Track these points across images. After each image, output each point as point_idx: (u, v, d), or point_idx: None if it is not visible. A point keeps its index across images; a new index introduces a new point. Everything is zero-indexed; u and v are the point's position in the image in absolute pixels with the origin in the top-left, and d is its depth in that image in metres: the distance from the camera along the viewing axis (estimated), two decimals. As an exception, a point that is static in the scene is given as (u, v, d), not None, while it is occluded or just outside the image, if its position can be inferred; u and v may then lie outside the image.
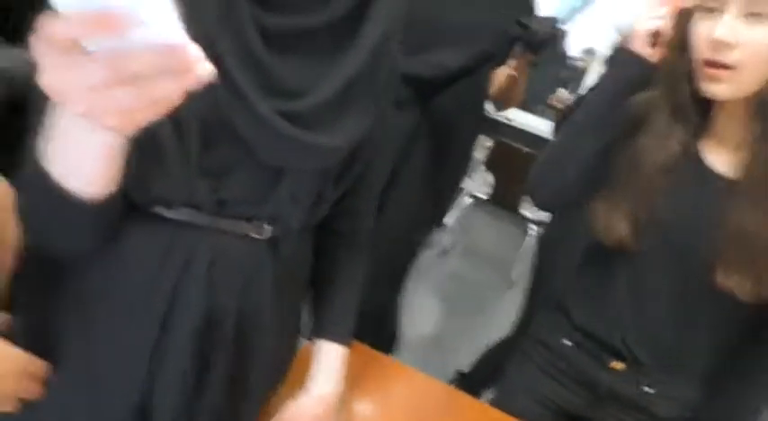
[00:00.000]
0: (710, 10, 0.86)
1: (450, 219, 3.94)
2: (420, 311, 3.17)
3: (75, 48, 0.34)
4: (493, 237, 4.57)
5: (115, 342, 0.68)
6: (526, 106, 5.40)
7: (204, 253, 0.69)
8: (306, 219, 0.76)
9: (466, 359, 2.25)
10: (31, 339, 0.70)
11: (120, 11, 0.32)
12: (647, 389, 1.04)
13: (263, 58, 0.63)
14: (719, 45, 0.85)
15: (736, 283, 0.90)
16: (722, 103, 0.93)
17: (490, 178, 4.06)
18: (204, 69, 0.37)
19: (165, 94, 0.37)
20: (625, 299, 1.03)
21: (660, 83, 0.99)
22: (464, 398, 1.12)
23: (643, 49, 0.95)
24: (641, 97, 1.01)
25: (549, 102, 5.65)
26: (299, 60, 0.66)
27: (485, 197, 4.03)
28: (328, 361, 0.89)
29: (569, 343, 1.10)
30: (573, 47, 5.41)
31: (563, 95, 5.78)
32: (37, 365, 0.68)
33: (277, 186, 0.70)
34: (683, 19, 0.92)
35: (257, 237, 0.72)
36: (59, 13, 0.32)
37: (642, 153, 0.98)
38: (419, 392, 1.12)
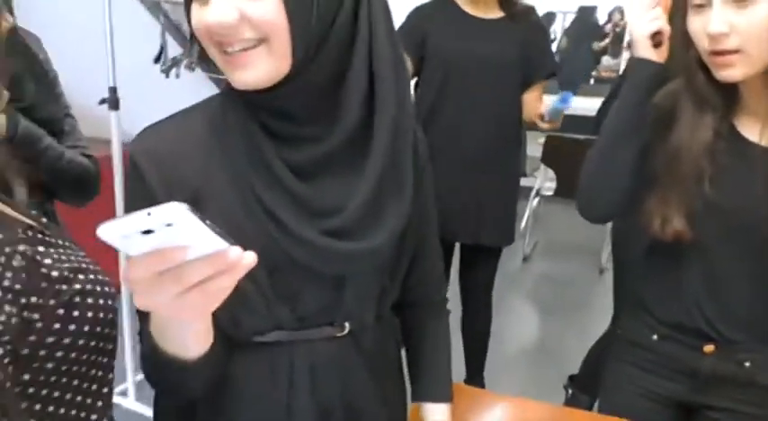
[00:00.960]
0: (700, 5, 0.92)
1: (521, 222, 3.95)
2: (519, 322, 3.19)
3: (153, 277, 0.47)
4: (570, 229, 4.52)
5: None
6: (570, 90, 5.37)
7: (303, 363, 0.80)
8: (377, 309, 0.86)
9: (578, 359, 2.26)
10: None
11: (171, 245, 0.45)
12: (746, 363, 1.05)
13: (295, 189, 0.72)
14: (717, 36, 0.89)
15: None
16: (744, 81, 0.96)
17: (551, 173, 4.04)
18: (246, 259, 0.49)
19: (223, 287, 0.50)
20: (700, 284, 1.05)
21: (678, 76, 1.03)
22: (567, 415, 1.17)
23: (648, 51, 1.00)
24: (662, 93, 1.05)
25: (597, 75, 5.61)
26: (328, 181, 0.75)
27: (551, 193, 4.02)
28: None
29: (656, 337, 1.12)
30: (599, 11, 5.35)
31: (609, 64, 5.73)
32: None
33: (343, 291, 0.80)
34: (678, 15, 0.97)
35: (340, 335, 0.83)
36: (132, 257, 0.46)
37: (679, 146, 1.01)
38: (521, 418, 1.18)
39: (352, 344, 0.84)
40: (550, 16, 5.09)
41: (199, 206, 0.72)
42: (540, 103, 1.91)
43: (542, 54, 1.89)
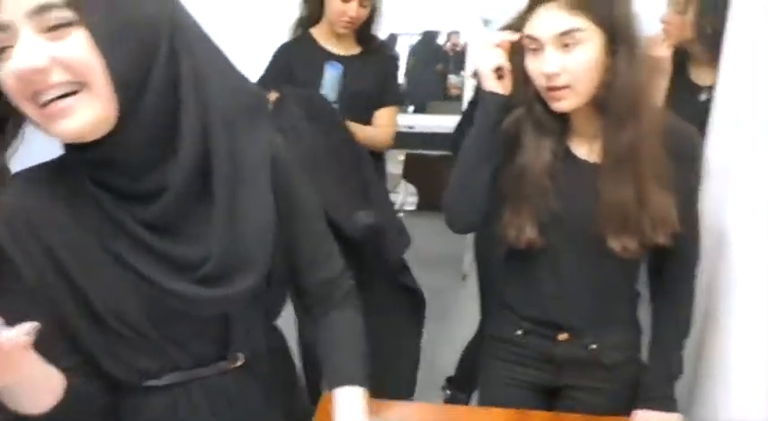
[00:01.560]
0: (535, 49, 1.09)
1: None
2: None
3: None
4: (433, 240, 4.76)
5: None
6: (422, 109, 5.74)
7: (201, 399, 0.85)
8: (267, 337, 0.91)
9: (449, 362, 2.42)
10: None
11: None
12: (592, 346, 1.24)
13: (155, 246, 0.74)
14: (551, 75, 1.07)
15: (623, 244, 1.11)
16: (574, 109, 1.14)
17: (412, 188, 4.26)
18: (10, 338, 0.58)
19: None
20: (551, 283, 1.23)
21: (520, 106, 1.20)
22: (450, 411, 1.29)
23: (493, 84, 1.16)
24: (508, 121, 1.22)
25: (446, 93, 5.98)
26: (186, 230, 0.76)
27: (413, 207, 4.23)
28: (347, 402, 0.92)
29: (521, 332, 1.29)
30: (441, 36, 5.76)
31: (455, 81, 6.15)
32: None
33: (230, 327, 0.85)
34: (517, 55, 1.13)
35: (234, 367, 0.87)
36: None
37: (524, 166, 1.18)
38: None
39: (248, 373, 0.89)
40: (393, 38, 5.40)
41: (61, 264, 0.73)
42: (389, 126, 2.04)
43: (392, 86, 2.05)
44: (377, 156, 2.10)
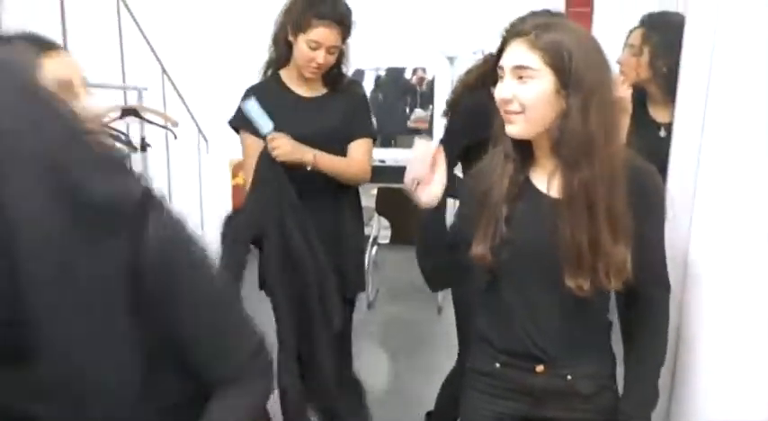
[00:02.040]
0: (501, 77, 1.19)
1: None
2: (371, 367, 3.30)
3: None
4: (407, 273, 4.79)
5: None
6: (389, 143, 5.85)
7: None
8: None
9: (427, 395, 2.42)
10: None
11: None
12: (568, 377, 1.27)
13: None
14: (504, 100, 1.17)
15: (578, 283, 1.16)
16: (535, 142, 1.21)
17: (385, 222, 4.30)
18: None
19: None
20: (522, 314, 1.27)
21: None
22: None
23: (416, 197, 1.28)
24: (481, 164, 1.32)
25: (410, 126, 6.12)
26: None
27: (387, 241, 4.26)
28: None
29: (499, 365, 1.31)
30: (407, 71, 5.92)
31: (420, 115, 6.28)
32: None
33: None
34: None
35: None
36: None
37: (486, 191, 1.25)
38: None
39: None
40: (359, 73, 5.52)
41: None
42: (364, 160, 2.06)
43: (363, 121, 2.07)
44: (353, 191, 2.13)
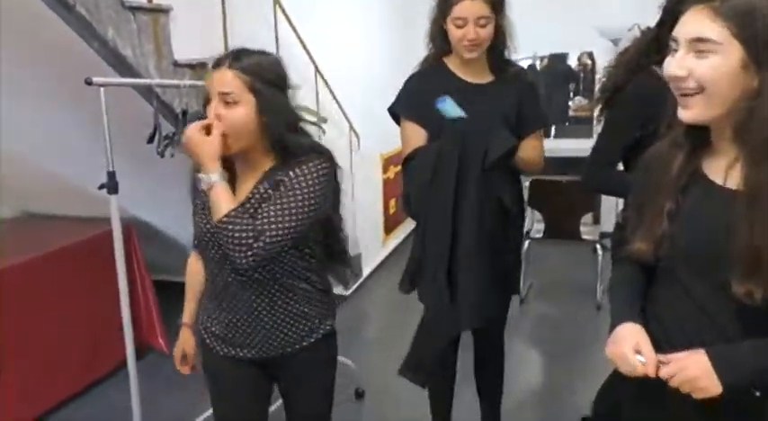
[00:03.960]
0: (674, 50, 1.02)
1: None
2: (525, 365, 3.20)
3: None
4: (562, 269, 4.58)
5: None
6: (548, 134, 5.61)
7: None
8: None
9: (584, 397, 2.26)
10: None
11: None
12: (757, 393, 1.08)
13: None
14: (675, 78, 1.01)
15: (746, 290, 0.97)
16: (714, 127, 1.04)
17: (538, 215, 4.13)
18: None
19: None
20: (687, 307, 1.10)
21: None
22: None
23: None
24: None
25: (573, 114, 5.81)
26: None
27: (540, 235, 4.09)
28: None
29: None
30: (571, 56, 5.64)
31: (582, 104, 5.95)
32: None
33: None
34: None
35: None
36: None
37: (655, 183, 1.11)
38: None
39: None
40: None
41: None
42: (537, 149, 1.97)
43: (534, 110, 1.96)
44: (517, 181, 2.05)
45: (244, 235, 1.30)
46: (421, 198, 1.90)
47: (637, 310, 1.18)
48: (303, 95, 3.02)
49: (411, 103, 1.94)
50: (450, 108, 1.85)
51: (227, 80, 1.32)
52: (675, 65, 1.01)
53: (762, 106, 0.95)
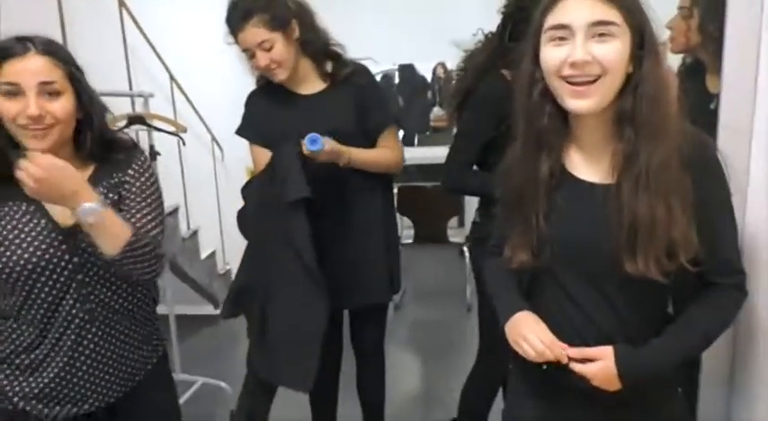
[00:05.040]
0: (561, 38, 1.01)
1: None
2: (404, 370, 3.21)
3: None
4: (433, 273, 4.69)
5: None
6: (411, 143, 5.73)
7: None
8: None
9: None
10: None
11: None
12: None
13: None
14: (579, 64, 0.99)
15: (640, 268, 1.02)
16: (588, 118, 1.05)
17: (407, 221, 4.19)
18: None
19: None
20: (570, 312, 1.13)
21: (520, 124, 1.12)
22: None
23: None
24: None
25: (432, 125, 5.97)
26: None
27: (410, 240, 4.15)
28: None
29: (546, 366, 1.14)
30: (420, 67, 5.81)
31: (440, 114, 6.14)
32: None
33: None
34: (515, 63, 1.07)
35: None
36: None
37: (520, 186, 1.11)
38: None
39: None
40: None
41: None
42: (393, 149, 1.93)
43: (378, 111, 1.92)
44: (387, 187, 2.01)
45: (149, 248, 1.17)
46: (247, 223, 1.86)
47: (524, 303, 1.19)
48: (158, 105, 2.83)
49: (253, 124, 1.88)
50: (315, 143, 1.72)
51: (46, 68, 1.13)
52: (580, 50, 0.99)
53: (647, 89, 0.99)
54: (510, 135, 1.17)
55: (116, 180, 1.24)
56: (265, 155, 1.82)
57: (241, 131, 1.92)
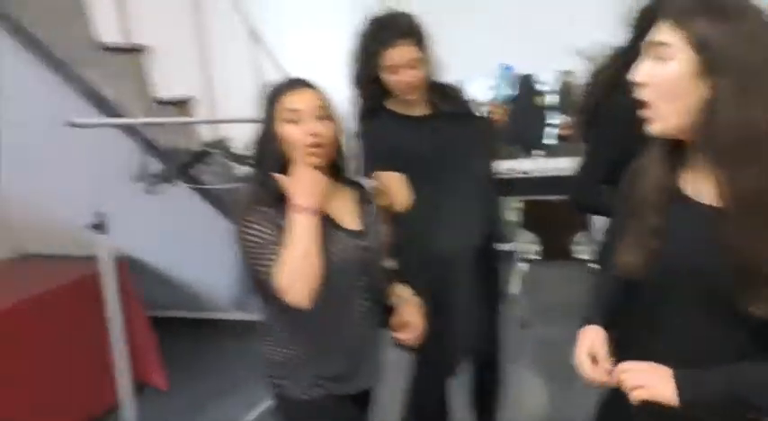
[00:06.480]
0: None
1: (514, 288, 3.97)
2: (529, 391, 3.15)
3: None
4: (561, 290, 4.54)
5: None
6: (530, 154, 5.51)
7: None
8: None
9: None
10: None
11: None
12: None
13: None
14: (635, 84, 1.00)
15: (759, 304, 0.95)
16: (687, 139, 1.02)
17: (533, 236, 4.11)
18: None
19: None
20: (666, 336, 1.09)
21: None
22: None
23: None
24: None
25: (561, 134, 5.71)
26: None
27: (537, 256, 4.06)
28: None
29: None
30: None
31: (566, 121, 5.88)
32: None
33: None
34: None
35: None
36: None
37: (639, 202, 1.10)
38: None
39: None
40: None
41: None
42: None
43: (492, 145, 2.06)
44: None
45: None
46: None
47: (604, 312, 1.21)
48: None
49: (382, 152, 1.92)
50: None
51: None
52: (636, 71, 1.00)
53: (720, 112, 0.94)
54: (639, 153, 1.16)
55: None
56: (400, 178, 1.87)
57: (372, 164, 1.92)
